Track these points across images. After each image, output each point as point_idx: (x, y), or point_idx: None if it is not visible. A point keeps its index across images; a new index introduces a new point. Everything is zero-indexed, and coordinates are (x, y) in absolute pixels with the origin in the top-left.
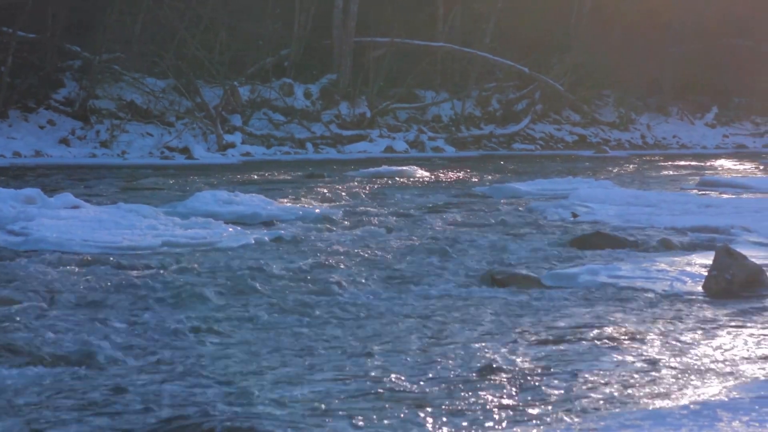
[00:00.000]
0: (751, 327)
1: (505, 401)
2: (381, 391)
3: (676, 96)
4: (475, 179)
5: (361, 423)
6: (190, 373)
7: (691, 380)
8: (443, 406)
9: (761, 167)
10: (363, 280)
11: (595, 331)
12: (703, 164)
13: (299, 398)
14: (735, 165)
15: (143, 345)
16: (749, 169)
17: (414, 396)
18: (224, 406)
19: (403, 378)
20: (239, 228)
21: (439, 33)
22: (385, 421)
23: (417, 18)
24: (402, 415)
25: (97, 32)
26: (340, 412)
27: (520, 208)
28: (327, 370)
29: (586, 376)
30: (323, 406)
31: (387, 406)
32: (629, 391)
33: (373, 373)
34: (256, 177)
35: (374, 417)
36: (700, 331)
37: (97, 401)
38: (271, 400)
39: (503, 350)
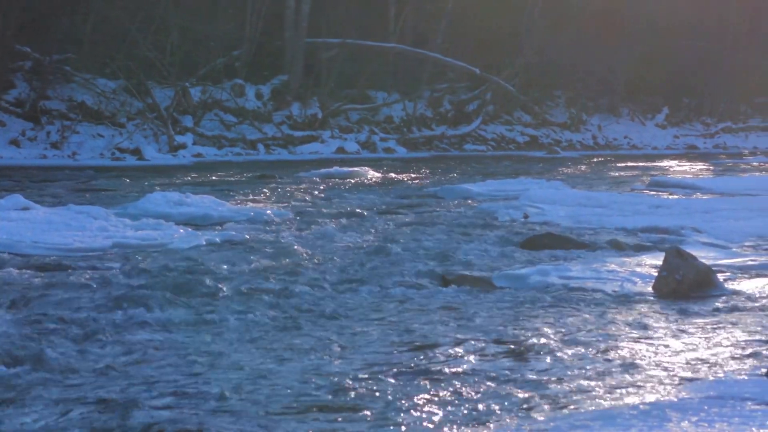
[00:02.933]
0: (700, 328)
1: (455, 402)
2: (329, 393)
3: (627, 97)
4: (426, 180)
5: (309, 425)
6: (137, 374)
7: (641, 381)
8: (393, 407)
9: (711, 168)
10: (314, 282)
11: (545, 332)
12: (653, 165)
13: (249, 399)
14: (685, 166)
15: (91, 347)
16: (699, 169)
17: (363, 397)
18: (171, 408)
19: (353, 380)
20: (190, 229)
21: (390, 34)
22: (335, 424)
23: (368, 19)
24: (353, 417)
25: (48, 33)
26: (288, 416)
27: (472, 209)
28: (275, 371)
29: (536, 377)
30: (271, 408)
31: (337, 408)
32: (579, 391)
33: (321, 375)
34: (207, 178)
35: (323, 420)
36: (649, 332)
37: (42, 403)
38: (220, 401)
39: (453, 351)
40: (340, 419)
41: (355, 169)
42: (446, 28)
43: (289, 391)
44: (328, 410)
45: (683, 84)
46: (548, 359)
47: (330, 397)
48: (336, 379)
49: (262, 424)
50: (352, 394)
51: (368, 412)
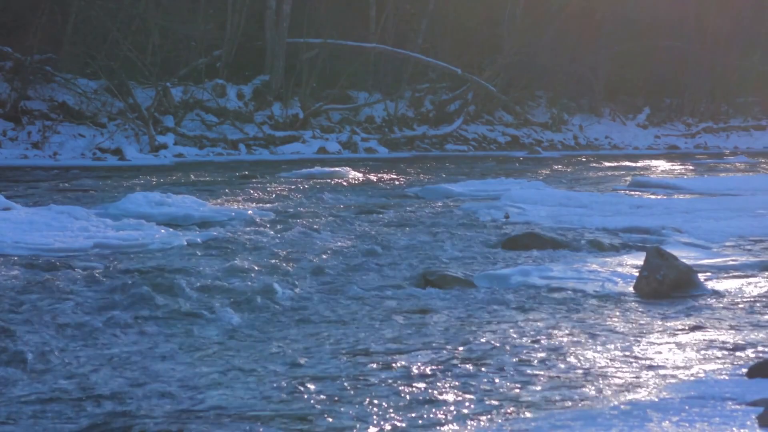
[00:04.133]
0: (681, 328)
1: (436, 401)
2: (306, 394)
3: (608, 97)
4: (407, 180)
5: (283, 427)
6: (116, 374)
7: (622, 381)
8: (372, 407)
9: (692, 168)
10: (295, 282)
11: (527, 332)
12: (634, 165)
13: (225, 400)
14: (666, 166)
15: (69, 346)
16: (681, 169)
17: (342, 398)
18: (148, 408)
19: (332, 381)
20: (171, 229)
21: (371, 34)
22: (311, 424)
23: (349, 19)
24: (330, 418)
25: (28, 33)
26: (264, 416)
27: (453, 209)
28: (252, 373)
29: (518, 376)
30: (246, 410)
31: (313, 408)
32: (560, 391)
33: (297, 377)
34: (188, 178)
35: (298, 421)
36: (630, 332)
37: (17, 402)
38: (196, 402)
39: (435, 351)
40: (314, 422)
41: (337, 169)
42: (427, 28)
43: (266, 391)
44: (303, 413)
45: (664, 84)
46: (528, 359)
47: (304, 398)
48: (317, 380)
49: (235, 428)
50: (322, 396)
51: (341, 416)
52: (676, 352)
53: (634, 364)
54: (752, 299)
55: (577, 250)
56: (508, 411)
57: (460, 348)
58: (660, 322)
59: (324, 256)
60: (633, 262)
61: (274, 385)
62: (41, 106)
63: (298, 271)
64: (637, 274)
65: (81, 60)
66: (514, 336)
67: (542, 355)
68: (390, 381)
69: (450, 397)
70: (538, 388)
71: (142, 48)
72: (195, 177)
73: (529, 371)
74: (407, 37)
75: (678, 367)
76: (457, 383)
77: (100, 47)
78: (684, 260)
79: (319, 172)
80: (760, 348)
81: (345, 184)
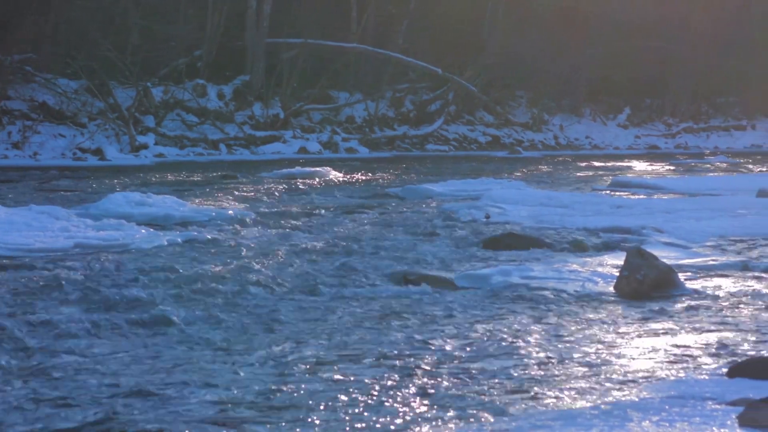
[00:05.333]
0: (661, 327)
1: (416, 402)
2: (288, 394)
3: (589, 97)
4: (388, 180)
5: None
6: (92, 375)
7: (602, 380)
8: (352, 407)
9: (673, 168)
10: (275, 282)
11: (507, 332)
12: (615, 165)
13: (202, 402)
14: (647, 166)
15: (47, 346)
16: (661, 169)
17: (323, 398)
18: (124, 410)
19: (313, 381)
20: (152, 230)
21: (352, 34)
22: (289, 425)
23: (330, 19)
24: (309, 419)
25: (8, 33)
26: (241, 417)
27: (433, 209)
28: (231, 374)
29: (498, 376)
30: (224, 411)
31: (293, 409)
32: (540, 391)
33: (278, 377)
34: (169, 178)
35: (277, 422)
36: (611, 332)
37: None
38: (171, 403)
39: (415, 351)
40: (293, 423)
41: (317, 169)
42: (408, 29)
43: (246, 392)
44: (283, 414)
45: (645, 84)
46: (509, 359)
47: (286, 398)
48: (297, 380)
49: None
50: (295, 396)
51: (318, 416)
52: (656, 352)
53: (614, 364)
54: (732, 299)
55: (558, 250)
56: (489, 411)
57: (440, 348)
58: (640, 322)
59: (304, 256)
60: (613, 262)
61: (251, 385)
62: (21, 106)
63: (277, 272)
64: (617, 274)
65: (61, 60)
66: (494, 336)
67: (522, 355)
68: (368, 382)
69: (430, 397)
70: (518, 388)
71: (123, 48)
72: (175, 177)
73: (508, 371)
74: (388, 37)
75: (658, 367)
76: (436, 384)
77: (80, 47)
78: (664, 260)
79: (300, 172)
80: (740, 348)
81: (325, 184)
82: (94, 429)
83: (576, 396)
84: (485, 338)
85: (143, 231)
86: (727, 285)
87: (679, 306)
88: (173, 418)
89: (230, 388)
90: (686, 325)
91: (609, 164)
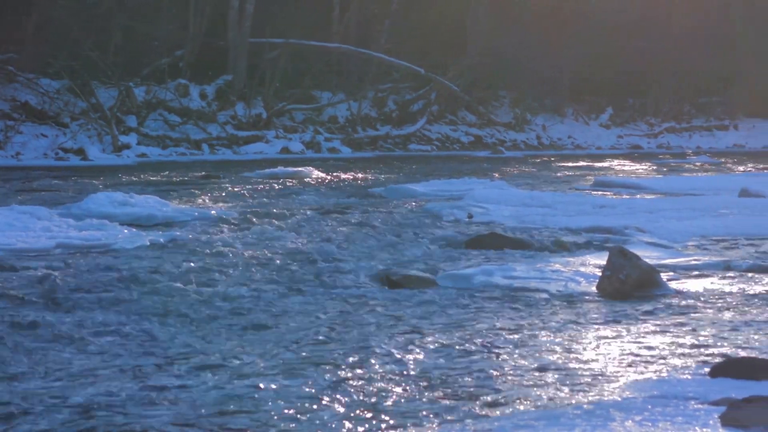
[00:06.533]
0: (643, 327)
1: (398, 402)
2: (267, 395)
3: (571, 97)
4: (371, 180)
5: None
6: (72, 377)
7: (585, 380)
8: (332, 408)
9: (655, 168)
10: (257, 282)
11: (489, 332)
12: (597, 165)
13: (183, 402)
14: (629, 165)
15: (27, 346)
16: (643, 169)
17: (303, 398)
18: (106, 412)
19: (293, 381)
20: (134, 230)
21: (334, 34)
22: (269, 425)
23: (312, 19)
24: (292, 420)
25: None
26: (220, 418)
27: (416, 209)
28: (212, 375)
29: (480, 376)
30: (205, 413)
31: (273, 409)
32: (523, 391)
33: (259, 377)
34: (151, 178)
35: (258, 422)
36: (593, 332)
37: None
38: (150, 405)
39: (396, 351)
40: (273, 423)
41: (300, 169)
42: (390, 28)
43: (225, 392)
44: (263, 414)
45: (627, 84)
46: (492, 359)
47: (266, 399)
48: (277, 380)
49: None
50: (274, 396)
51: (307, 416)
52: (639, 352)
53: (597, 364)
54: (715, 299)
55: (540, 249)
56: (471, 411)
57: (422, 348)
58: (622, 322)
59: (286, 256)
60: (596, 262)
61: (232, 385)
62: (3, 105)
63: (260, 272)
64: (600, 274)
65: (43, 59)
66: (477, 336)
67: (504, 354)
68: (346, 382)
69: (411, 397)
70: (501, 387)
71: (105, 48)
72: (158, 177)
73: (491, 371)
74: (370, 37)
75: (641, 367)
76: (418, 383)
77: (62, 47)
78: (647, 260)
79: (283, 172)
80: (722, 347)
81: (308, 184)
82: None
83: (558, 396)
84: (467, 338)
85: (126, 231)
86: (709, 285)
87: (661, 306)
88: (147, 417)
89: (209, 391)
90: (669, 324)
91: (591, 164)
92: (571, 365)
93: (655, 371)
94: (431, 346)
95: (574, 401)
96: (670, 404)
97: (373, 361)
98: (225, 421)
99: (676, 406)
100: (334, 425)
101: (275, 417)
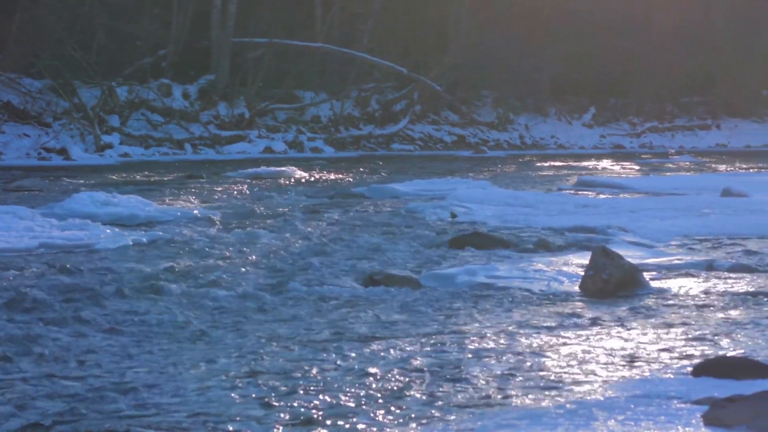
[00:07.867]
0: (626, 326)
1: (381, 401)
2: (254, 394)
3: (554, 96)
4: (353, 180)
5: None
6: (55, 375)
7: (568, 380)
8: (317, 407)
9: (638, 167)
10: (240, 282)
11: (472, 331)
12: (580, 164)
13: (168, 402)
14: (612, 165)
15: (8, 347)
16: (626, 169)
17: (289, 398)
18: (85, 410)
19: (277, 381)
20: (117, 229)
21: (317, 33)
22: (256, 424)
23: (295, 19)
24: (277, 419)
25: None
26: (207, 418)
27: (399, 209)
28: (195, 374)
29: (463, 376)
30: (188, 411)
31: (259, 408)
32: (506, 390)
33: (242, 377)
34: (134, 178)
35: (245, 422)
36: (576, 331)
37: None
38: (134, 403)
39: (380, 351)
40: (260, 422)
41: (283, 168)
42: (373, 28)
43: (211, 393)
44: (250, 413)
45: (610, 84)
46: (474, 359)
47: (252, 398)
48: (263, 380)
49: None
50: (256, 395)
51: (293, 415)
52: (622, 351)
53: (580, 363)
54: (697, 298)
55: (523, 249)
56: (453, 411)
57: (405, 348)
58: (605, 321)
59: (269, 256)
60: (579, 262)
61: (213, 383)
62: None
63: (243, 271)
64: (582, 273)
65: (25, 59)
66: (459, 336)
67: (487, 354)
68: (328, 383)
69: (393, 397)
70: (483, 387)
71: (87, 47)
72: (141, 177)
73: (473, 370)
74: (353, 36)
75: (623, 366)
76: (400, 383)
77: (45, 46)
78: (629, 259)
79: (265, 172)
80: (705, 346)
81: (291, 183)
82: (53, 429)
83: (541, 395)
84: (450, 337)
85: (108, 231)
86: (691, 284)
87: (644, 305)
88: (129, 417)
89: (192, 390)
90: (651, 324)
91: (574, 164)
92: (554, 365)
93: (637, 370)
94: (413, 346)
95: (556, 400)
96: (652, 403)
97: (353, 361)
98: (200, 420)
99: (658, 406)
100: (309, 424)
101: (249, 416)
